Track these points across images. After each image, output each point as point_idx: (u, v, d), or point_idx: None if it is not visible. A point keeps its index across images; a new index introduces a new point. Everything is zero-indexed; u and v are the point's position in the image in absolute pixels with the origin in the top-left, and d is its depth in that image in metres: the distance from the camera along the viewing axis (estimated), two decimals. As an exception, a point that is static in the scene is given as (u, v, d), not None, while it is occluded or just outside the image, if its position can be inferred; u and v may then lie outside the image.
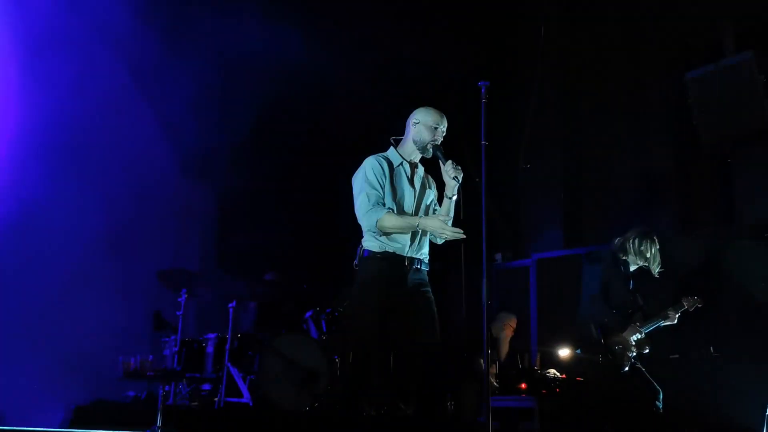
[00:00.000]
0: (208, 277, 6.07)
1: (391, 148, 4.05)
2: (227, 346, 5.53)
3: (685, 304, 5.03)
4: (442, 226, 3.70)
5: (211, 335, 5.87)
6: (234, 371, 5.51)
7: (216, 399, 5.54)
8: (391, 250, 3.80)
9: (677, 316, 5.01)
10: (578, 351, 5.18)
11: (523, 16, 8.58)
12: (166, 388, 5.43)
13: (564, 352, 6.40)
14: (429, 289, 3.89)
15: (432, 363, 3.77)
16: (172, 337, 5.74)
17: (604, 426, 4.91)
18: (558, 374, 6.15)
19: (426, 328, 3.80)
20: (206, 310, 6.77)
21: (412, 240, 3.86)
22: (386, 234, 3.78)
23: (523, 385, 6.14)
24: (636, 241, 5.12)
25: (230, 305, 5.73)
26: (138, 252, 6.65)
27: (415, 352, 3.80)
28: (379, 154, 3.99)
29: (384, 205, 3.80)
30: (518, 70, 8.52)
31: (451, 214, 3.90)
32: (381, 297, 3.78)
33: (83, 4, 6.14)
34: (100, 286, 6.15)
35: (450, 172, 3.79)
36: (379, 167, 3.88)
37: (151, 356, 5.37)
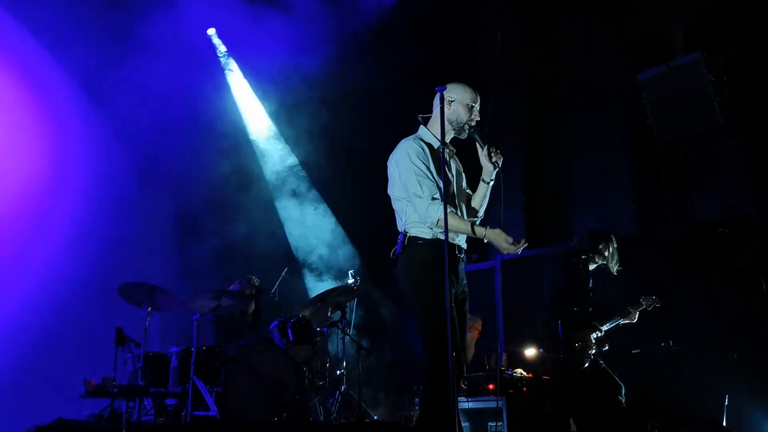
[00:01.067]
0: (171, 290, 5.99)
1: (423, 128, 3.74)
2: (192, 359, 5.46)
3: (643, 303, 5.14)
4: (506, 246, 3.44)
5: (176, 349, 5.80)
6: (200, 384, 5.44)
7: (183, 413, 5.47)
8: (443, 238, 3.49)
9: (636, 314, 5.11)
10: (542, 350, 5.25)
11: (481, 22, 8.67)
12: (131, 404, 5.35)
13: (530, 352, 6.46)
14: (466, 281, 3.68)
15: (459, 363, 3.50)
16: (136, 352, 5.65)
17: (569, 422, 4.98)
18: (525, 373, 6.21)
19: (460, 326, 3.58)
20: (170, 323, 6.70)
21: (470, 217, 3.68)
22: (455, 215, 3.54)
23: (491, 386, 6.18)
24: (594, 240, 5.23)
25: (194, 317, 5.67)
26: (100, 267, 6.56)
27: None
28: (415, 137, 3.70)
29: (440, 197, 3.52)
30: (476, 75, 8.60)
31: (487, 201, 3.75)
32: (443, 280, 3.43)
33: (29, 12, 6.05)
34: (60, 302, 6.05)
35: (490, 157, 3.62)
36: (423, 153, 3.59)
37: (113, 373, 5.28)
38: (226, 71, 7.40)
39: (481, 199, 3.79)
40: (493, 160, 3.61)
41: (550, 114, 8.18)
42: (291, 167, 7.89)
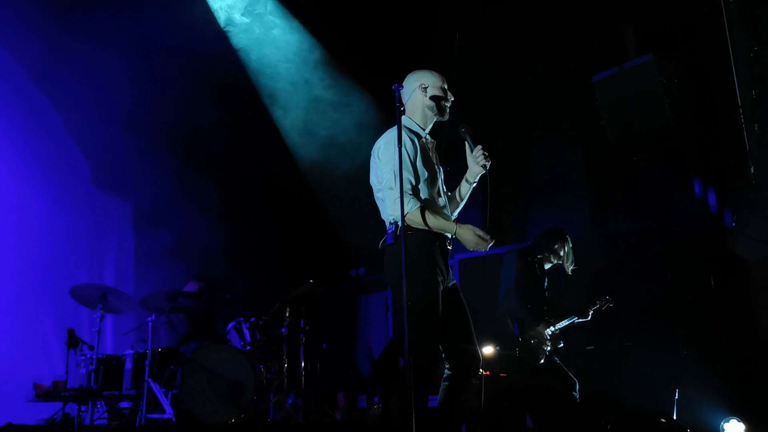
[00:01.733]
0: (125, 292, 5.89)
1: (407, 118, 3.63)
2: (147, 361, 5.38)
3: (597, 302, 5.25)
4: (478, 241, 3.40)
5: (130, 351, 5.71)
6: (155, 387, 5.36)
7: (137, 416, 5.38)
8: (432, 227, 3.46)
9: (590, 313, 5.21)
10: (498, 347, 5.31)
11: (438, 22, 8.71)
12: (83, 408, 5.25)
13: (487, 350, 6.52)
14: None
15: (467, 358, 3.49)
16: (88, 355, 5.55)
17: (525, 418, 5.05)
18: (483, 371, 6.26)
19: (463, 314, 3.55)
20: (124, 325, 6.58)
21: (451, 214, 3.63)
22: (428, 209, 3.44)
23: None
24: (550, 240, 5.31)
25: (149, 319, 5.59)
26: (50, 267, 6.41)
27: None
28: (405, 127, 3.55)
29: (415, 191, 3.45)
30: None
31: (465, 202, 3.69)
32: (439, 273, 3.41)
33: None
34: (10, 304, 5.89)
35: (479, 159, 3.54)
36: (412, 145, 3.48)
37: (65, 376, 5.17)
38: None
39: (460, 199, 3.76)
40: (482, 162, 3.56)
41: (506, 114, 8.26)
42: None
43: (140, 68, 6.70)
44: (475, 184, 3.69)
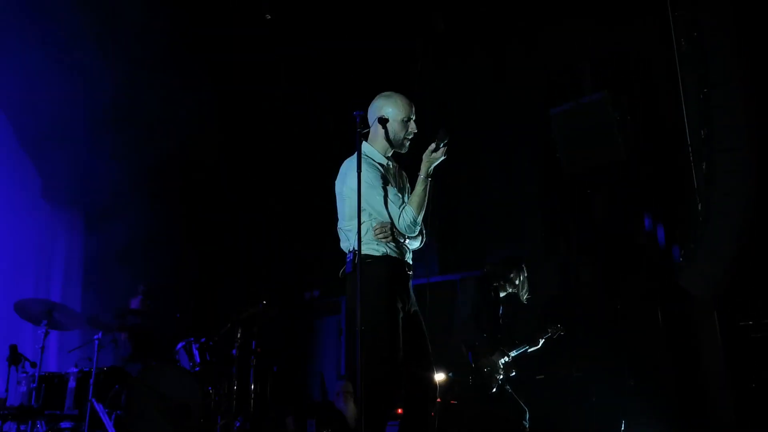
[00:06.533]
0: (71, 308, 5.74)
1: (367, 145, 3.66)
2: (91, 380, 5.23)
3: (549, 331, 5.33)
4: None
5: (74, 369, 5.54)
6: (99, 407, 5.21)
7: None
8: (394, 255, 3.52)
9: (541, 342, 5.29)
10: (451, 374, 5.32)
11: (397, 55, 8.80)
12: (22, 427, 5.07)
13: (439, 376, 6.53)
14: (414, 298, 3.64)
15: (425, 386, 3.52)
16: (30, 372, 5.37)
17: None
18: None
19: (422, 342, 3.58)
20: (69, 342, 6.39)
21: (404, 243, 3.60)
22: (392, 236, 3.50)
23: (400, 411, 6.18)
24: (506, 269, 5.37)
25: (96, 337, 5.44)
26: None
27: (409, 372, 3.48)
28: (364, 156, 3.52)
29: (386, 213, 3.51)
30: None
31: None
32: (398, 301, 3.47)
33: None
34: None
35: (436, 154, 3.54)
36: (375, 170, 3.54)
37: (5, 393, 5.00)
38: None
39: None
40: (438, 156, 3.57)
41: (463, 143, 8.35)
42: None
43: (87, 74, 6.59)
44: (424, 179, 3.61)
